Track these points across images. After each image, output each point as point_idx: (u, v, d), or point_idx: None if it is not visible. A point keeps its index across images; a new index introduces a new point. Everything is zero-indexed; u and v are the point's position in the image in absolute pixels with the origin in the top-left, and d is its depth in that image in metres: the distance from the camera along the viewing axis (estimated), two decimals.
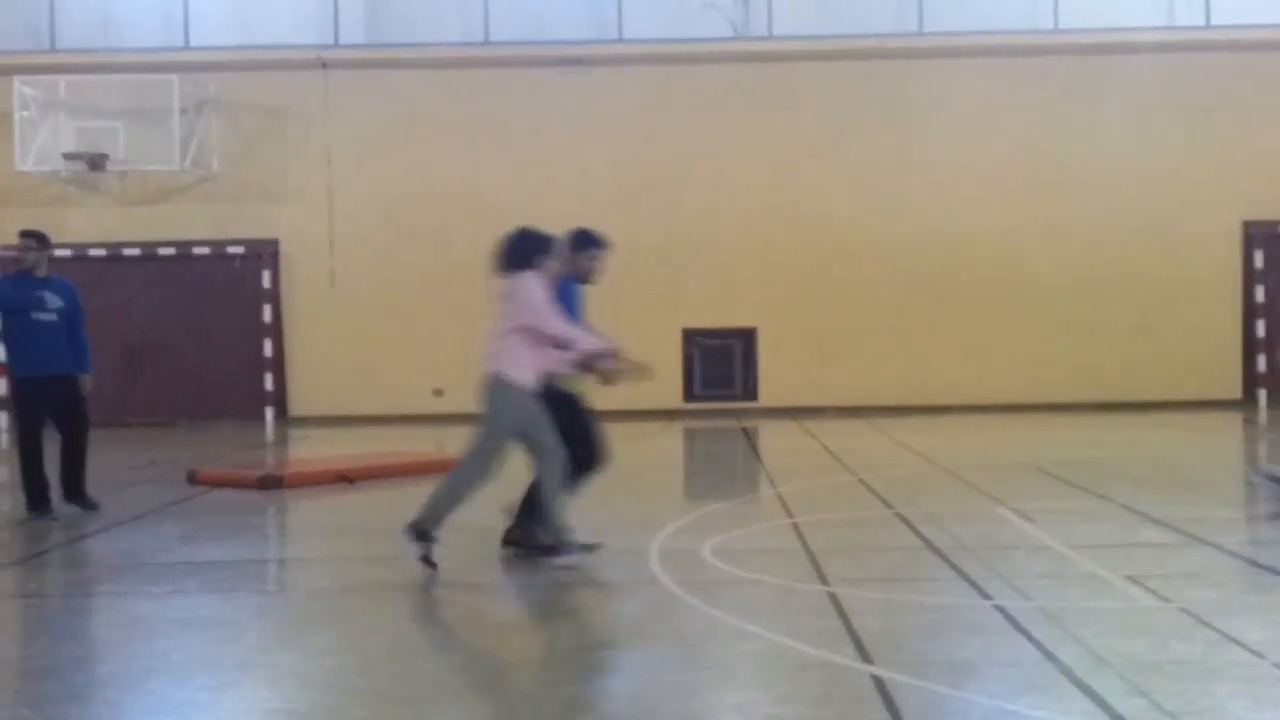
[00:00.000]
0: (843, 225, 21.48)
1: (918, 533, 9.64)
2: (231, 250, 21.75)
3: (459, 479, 8.63)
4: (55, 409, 11.21)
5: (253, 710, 5.90)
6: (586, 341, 8.66)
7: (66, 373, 11.22)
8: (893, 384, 21.28)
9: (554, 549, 8.61)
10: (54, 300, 11.23)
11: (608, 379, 8.99)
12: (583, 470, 8.98)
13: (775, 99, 21.69)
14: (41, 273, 11.31)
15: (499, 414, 8.46)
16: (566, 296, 8.96)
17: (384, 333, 21.66)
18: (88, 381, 11.42)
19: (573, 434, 8.74)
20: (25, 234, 11.35)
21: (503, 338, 8.46)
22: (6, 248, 12.26)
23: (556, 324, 8.43)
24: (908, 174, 21.50)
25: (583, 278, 9.27)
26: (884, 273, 21.47)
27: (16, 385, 11.21)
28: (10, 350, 11.30)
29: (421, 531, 8.54)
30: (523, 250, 8.64)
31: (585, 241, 9.31)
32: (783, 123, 21.64)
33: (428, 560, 8.51)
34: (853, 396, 21.21)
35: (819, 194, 21.54)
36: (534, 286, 8.46)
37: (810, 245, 21.47)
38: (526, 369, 8.42)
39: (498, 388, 8.44)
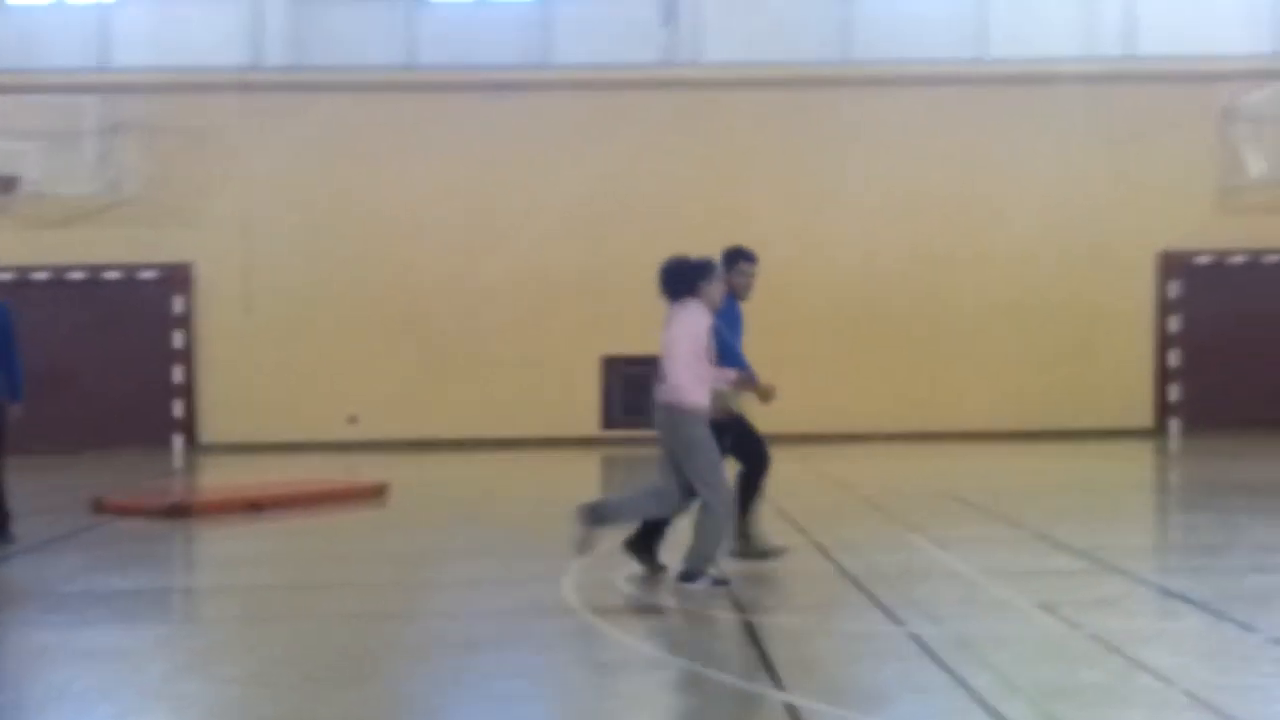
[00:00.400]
0: (767, 251, 21.38)
1: (833, 560, 9.66)
2: (144, 275, 21.44)
3: (714, 516, 8.66)
4: None
5: None
6: (694, 388, 8.73)
7: None
8: (813, 412, 21.32)
9: (690, 575, 8.64)
10: None
11: (765, 396, 9.40)
12: (751, 482, 9.37)
13: (704, 125, 21.72)
14: None
15: (685, 438, 8.62)
16: (729, 316, 9.27)
17: (299, 360, 21.41)
18: (17, 410, 10.99)
19: (740, 450, 9.13)
20: None
21: (671, 365, 8.66)
22: None
23: (680, 365, 8.62)
24: (833, 201, 21.60)
25: (737, 293, 9.47)
26: (806, 300, 21.54)
27: None
28: None
29: (695, 575, 8.61)
30: (683, 279, 8.84)
31: (735, 257, 9.54)
32: (711, 149, 21.66)
33: (721, 582, 8.63)
34: (773, 424, 21.12)
35: (743, 220, 21.50)
36: (690, 316, 8.71)
37: None
38: (697, 393, 8.64)
39: (672, 414, 8.64)
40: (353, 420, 21.33)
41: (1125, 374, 21.69)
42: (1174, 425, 21.53)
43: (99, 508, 13.03)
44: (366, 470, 16.97)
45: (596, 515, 8.82)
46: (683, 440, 8.64)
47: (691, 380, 8.62)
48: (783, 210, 21.62)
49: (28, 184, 20.72)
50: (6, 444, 11.02)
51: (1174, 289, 21.69)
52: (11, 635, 8.01)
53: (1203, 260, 21.63)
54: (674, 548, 9.16)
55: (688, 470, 8.69)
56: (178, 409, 21.30)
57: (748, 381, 9.15)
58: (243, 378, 21.36)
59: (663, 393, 8.71)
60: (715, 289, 8.90)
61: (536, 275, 21.40)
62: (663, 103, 21.79)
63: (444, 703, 6.33)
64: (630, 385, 21.55)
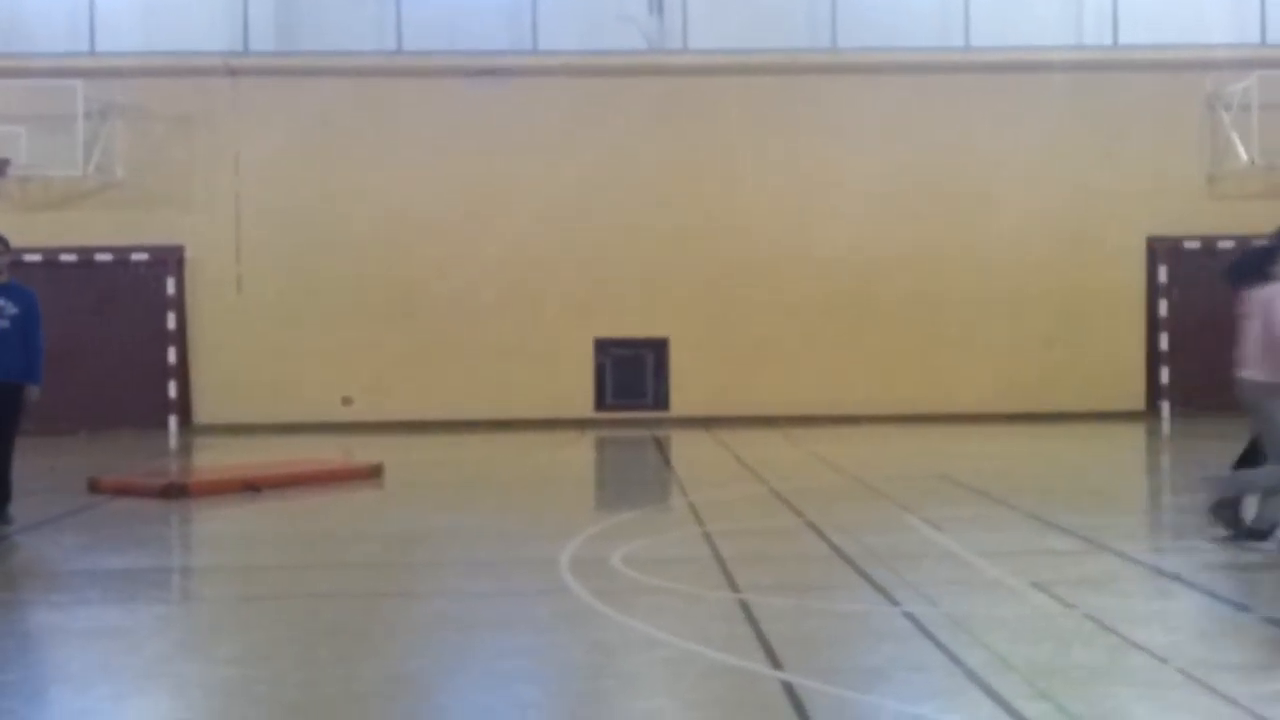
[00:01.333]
0: (757, 237, 21.57)
1: (828, 541, 9.69)
2: (135, 257, 21.42)
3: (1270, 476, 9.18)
4: None
5: None
6: None
7: (11, 381, 10.86)
8: (806, 394, 21.40)
9: (1256, 533, 9.18)
10: (10, 308, 10.88)
11: None
12: None
13: (692, 112, 21.73)
14: (2, 279, 10.99)
15: (1262, 412, 9.13)
16: None
17: (292, 341, 21.41)
18: (34, 391, 11.03)
19: None
20: None
21: (1256, 346, 9.11)
22: None
23: (1265, 346, 9.01)
24: (821, 187, 21.63)
25: None
26: (797, 284, 21.59)
27: None
28: None
29: (1220, 509, 9.30)
30: (1258, 265, 9.29)
31: None
32: (697, 136, 21.69)
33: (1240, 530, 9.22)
34: (766, 407, 21.28)
35: (733, 206, 21.62)
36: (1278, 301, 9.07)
37: (724, 256, 21.55)
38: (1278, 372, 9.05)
39: (1256, 390, 9.11)
40: (347, 402, 21.35)
41: (1116, 357, 21.77)
42: (1164, 408, 21.61)
43: (95, 488, 13.05)
44: (361, 451, 16.99)
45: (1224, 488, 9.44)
46: (1260, 414, 9.18)
47: (1275, 360, 9.03)
48: (771, 196, 21.64)
49: (17, 167, 20.69)
50: (19, 425, 11.09)
51: (1163, 274, 21.75)
52: (11, 615, 8.03)
53: (1191, 245, 21.68)
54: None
55: (1265, 440, 9.25)
56: (172, 390, 21.31)
57: None
58: (236, 359, 21.37)
59: (1244, 371, 9.24)
60: None
61: (528, 258, 21.43)
62: (650, 89, 21.79)
63: (443, 682, 6.36)
64: (621, 367, 21.60)
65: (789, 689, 5.87)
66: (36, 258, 21.11)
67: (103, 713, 5.83)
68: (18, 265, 20.28)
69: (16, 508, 11.15)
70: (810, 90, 21.81)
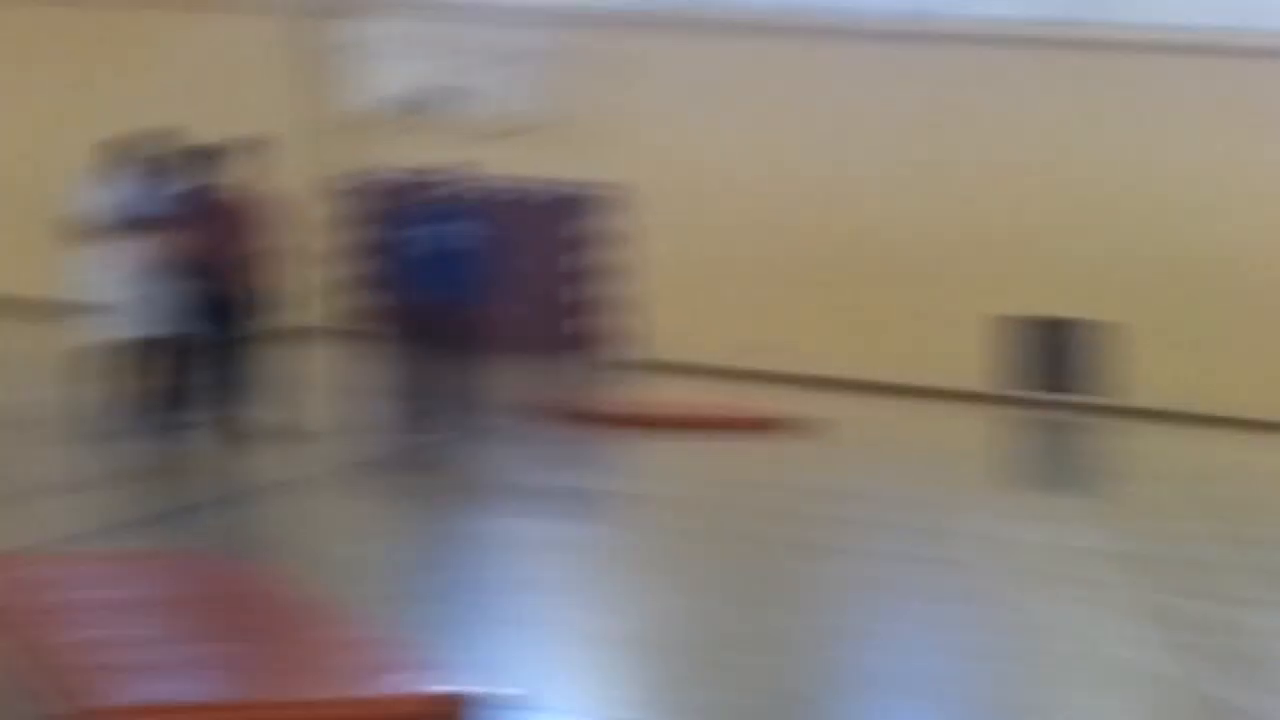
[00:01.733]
0: (1212, 223, 20.52)
1: (1258, 551, 9.24)
2: (581, 192, 22.12)
3: None
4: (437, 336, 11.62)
5: (612, 636, 6.13)
6: None
7: (464, 303, 11.61)
8: (1253, 394, 20.18)
9: None
10: (460, 230, 11.85)
11: None
12: None
13: (1116, 87, 20.94)
14: (453, 203, 12.02)
15: None
16: None
17: (739, 287, 21.56)
18: (485, 311, 11.86)
19: None
20: (431, 169, 11.90)
21: None
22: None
23: None
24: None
25: None
26: (1255, 274, 20.42)
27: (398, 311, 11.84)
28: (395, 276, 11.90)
29: None
30: None
31: None
32: (1112, 111, 20.82)
33: None
34: (1215, 406, 20.03)
35: (1190, 189, 20.61)
36: None
37: (1181, 241, 20.59)
38: None
39: None
40: (794, 353, 21.27)
41: None
42: None
43: (543, 413, 13.35)
44: (795, 404, 16.88)
45: None
46: None
47: None
48: (1229, 181, 20.54)
49: (473, 100, 21.71)
50: (478, 345, 11.84)
51: None
52: (460, 522, 8.74)
53: None
54: None
55: None
56: (615, 326, 21.92)
57: None
58: (683, 301, 21.69)
59: None
60: None
61: (967, 228, 21.10)
62: (1090, 61, 21.03)
63: (855, 641, 6.48)
64: (1056, 348, 20.98)
65: (1213, 703, 5.73)
66: (492, 186, 22.13)
67: (568, 621, 6.29)
68: (466, 196, 21.52)
69: (474, 427, 11.66)
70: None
